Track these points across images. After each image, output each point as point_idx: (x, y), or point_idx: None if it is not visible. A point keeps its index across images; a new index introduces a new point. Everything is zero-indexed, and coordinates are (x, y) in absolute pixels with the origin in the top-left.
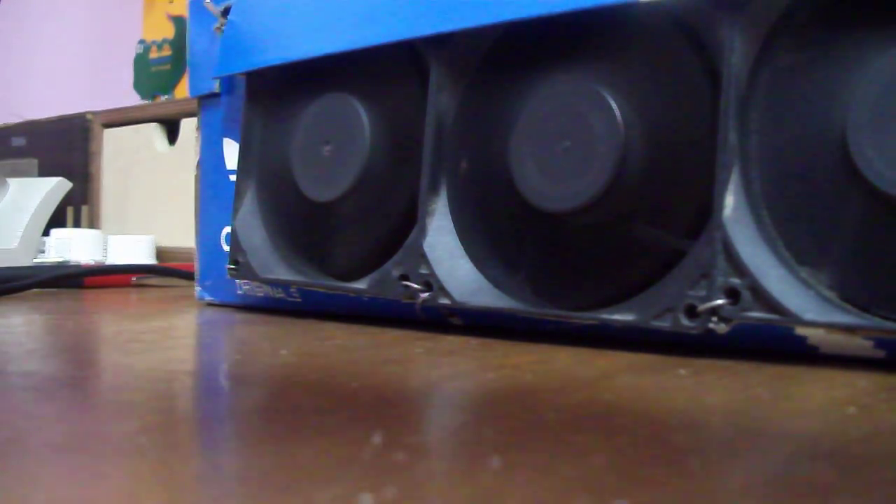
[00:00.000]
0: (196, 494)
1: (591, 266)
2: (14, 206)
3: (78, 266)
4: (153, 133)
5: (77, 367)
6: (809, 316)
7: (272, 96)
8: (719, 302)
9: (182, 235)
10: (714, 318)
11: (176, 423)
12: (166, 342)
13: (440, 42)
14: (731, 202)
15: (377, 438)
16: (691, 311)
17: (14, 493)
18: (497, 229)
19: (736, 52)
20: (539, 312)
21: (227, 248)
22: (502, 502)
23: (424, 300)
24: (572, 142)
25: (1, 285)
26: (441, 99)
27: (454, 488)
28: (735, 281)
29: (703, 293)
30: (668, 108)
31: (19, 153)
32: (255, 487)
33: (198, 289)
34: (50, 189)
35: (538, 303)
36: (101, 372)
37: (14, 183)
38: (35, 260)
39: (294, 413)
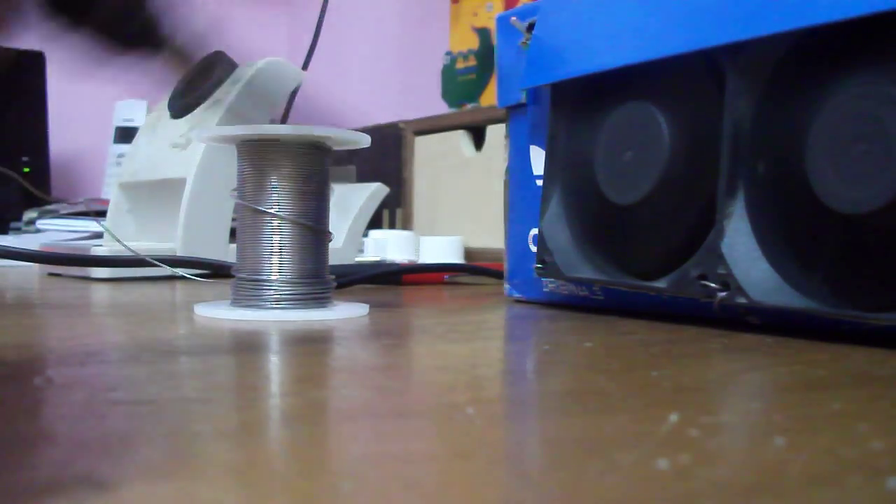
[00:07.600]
0: (517, 453)
1: (890, 267)
2: (338, 210)
3: (398, 265)
4: (461, 140)
5: (409, 352)
6: None
7: (575, 106)
8: None
9: (488, 236)
10: None
11: (497, 398)
12: (481, 332)
13: (736, 50)
14: None
15: (674, 417)
16: None
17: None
18: (794, 231)
19: None
20: (836, 313)
21: (534, 248)
22: (783, 473)
23: (722, 299)
24: (868, 145)
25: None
26: (738, 105)
27: (741, 460)
28: None
29: None
30: None
31: (339, 160)
32: (567, 449)
33: (506, 286)
34: (370, 194)
35: (836, 303)
36: (429, 356)
37: (337, 188)
38: (356, 258)
39: (599, 394)
